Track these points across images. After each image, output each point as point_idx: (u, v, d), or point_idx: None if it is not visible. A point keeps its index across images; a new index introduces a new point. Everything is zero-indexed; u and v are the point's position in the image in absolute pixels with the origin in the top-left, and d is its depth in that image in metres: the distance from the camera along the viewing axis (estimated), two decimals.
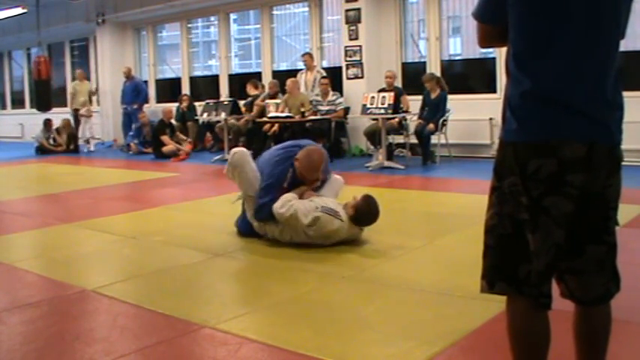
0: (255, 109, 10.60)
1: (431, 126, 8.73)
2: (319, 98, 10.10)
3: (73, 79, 15.83)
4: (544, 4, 1.71)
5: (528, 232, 1.74)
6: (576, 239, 1.78)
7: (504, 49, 1.84)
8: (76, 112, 13.41)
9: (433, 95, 8.99)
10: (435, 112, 8.87)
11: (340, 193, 4.69)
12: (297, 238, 4.25)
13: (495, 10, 1.80)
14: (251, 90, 11.15)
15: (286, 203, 4.18)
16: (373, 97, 8.64)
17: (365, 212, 4.27)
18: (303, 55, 10.76)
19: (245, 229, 4.59)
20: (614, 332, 1.90)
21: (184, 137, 11.61)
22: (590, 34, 1.70)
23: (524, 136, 1.73)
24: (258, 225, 4.45)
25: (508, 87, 1.79)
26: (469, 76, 10.45)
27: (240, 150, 4.70)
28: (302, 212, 4.13)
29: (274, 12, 12.54)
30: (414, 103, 9.21)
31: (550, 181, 1.70)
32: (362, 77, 10.24)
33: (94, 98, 14.14)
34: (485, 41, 1.95)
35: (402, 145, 9.51)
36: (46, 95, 13.12)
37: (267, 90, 11.05)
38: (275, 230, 4.35)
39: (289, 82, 10.16)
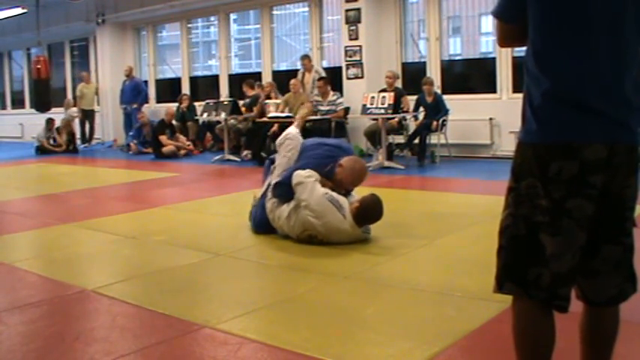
0: (256, 109, 10.58)
1: (434, 124, 8.77)
2: (319, 98, 10.10)
3: (73, 79, 15.85)
4: (563, 5, 1.69)
5: (547, 235, 1.72)
6: (592, 239, 1.76)
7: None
8: (84, 113, 13.89)
9: (429, 99, 9.01)
10: (435, 114, 8.88)
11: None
12: (300, 225, 4.26)
13: (515, 9, 1.78)
14: (247, 90, 11.14)
15: (310, 173, 4.30)
16: (373, 97, 8.64)
17: (369, 207, 4.30)
18: (303, 60, 10.71)
19: (259, 224, 4.65)
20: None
21: (184, 139, 11.62)
22: (610, 35, 1.68)
23: (545, 138, 1.71)
24: (270, 207, 4.49)
25: (528, 86, 1.77)
26: (469, 76, 10.43)
27: (298, 133, 4.88)
28: (313, 188, 4.22)
29: (274, 12, 12.53)
30: (414, 103, 9.21)
31: (572, 183, 1.69)
32: (362, 77, 10.22)
33: (94, 98, 14.21)
34: (504, 41, 1.93)
35: (402, 145, 9.51)
36: (45, 95, 13.12)
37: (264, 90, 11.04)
38: (284, 213, 4.38)
39: (293, 81, 10.17)
